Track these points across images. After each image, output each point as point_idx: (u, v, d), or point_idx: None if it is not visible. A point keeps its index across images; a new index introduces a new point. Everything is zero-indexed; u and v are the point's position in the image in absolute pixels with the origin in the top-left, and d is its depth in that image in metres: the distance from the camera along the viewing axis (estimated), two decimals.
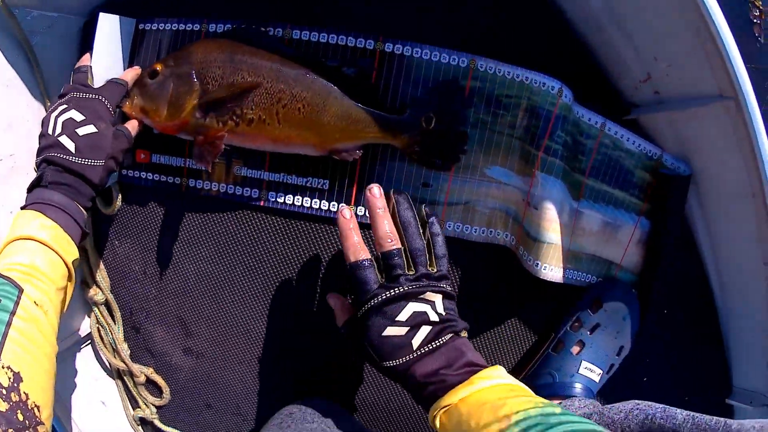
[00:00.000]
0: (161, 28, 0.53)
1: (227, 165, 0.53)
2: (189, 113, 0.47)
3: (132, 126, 0.50)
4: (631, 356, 0.56)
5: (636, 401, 0.50)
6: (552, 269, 0.50)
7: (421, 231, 0.43)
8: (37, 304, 0.41)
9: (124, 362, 0.60)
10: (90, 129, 0.46)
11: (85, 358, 0.63)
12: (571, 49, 0.52)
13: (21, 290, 0.40)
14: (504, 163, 0.50)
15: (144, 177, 0.55)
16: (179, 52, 0.48)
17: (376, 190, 0.44)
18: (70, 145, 0.46)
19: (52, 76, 0.55)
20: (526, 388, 0.39)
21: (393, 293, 0.40)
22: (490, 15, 0.51)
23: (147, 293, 0.59)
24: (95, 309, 0.59)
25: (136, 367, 0.60)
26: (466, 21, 0.51)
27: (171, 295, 0.59)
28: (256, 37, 0.48)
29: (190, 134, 0.49)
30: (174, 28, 0.53)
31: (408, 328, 0.40)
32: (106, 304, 0.60)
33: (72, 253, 0.46)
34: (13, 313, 0.39)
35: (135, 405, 0.64)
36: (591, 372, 0.55)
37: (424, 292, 0.41)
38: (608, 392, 0.57)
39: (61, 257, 0.45)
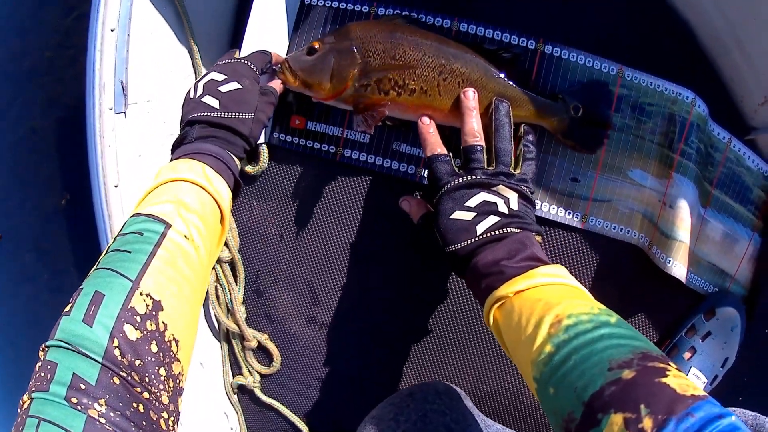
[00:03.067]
0: (328, 5, 0.56)
1: (386, 141, 0.55)
2: (351, 84, 0.49)
3: (276, 85, 0.50)
4: (733, 368, 0.59)
5: (732, 408, 0.52)
6: (678, 266, 0.53)
7: (511, 135, 0.45)
8: (187, 238, 0.37)
9: (238, 324, 0.60)
10: (233, 86, 0.46)
11: None
12: (704, 69, 0.57)
13: (168, 225, 0.37)
14: (644, 166, 0.54)
15: (296, 142, 0.57)
16: (338, 30, 0.50)
17: (470, 93, 0.46)
18: (214, 102, 0.45)
19: (200, 25, 0.57)
20: (586, 291, 0.38)
21: (465, 180, 0.42)
22: (635, 30, 0.56)
23: (280, 257, 0.60)
24: (218, 266, 0.60)
25: (249, 332, 0.60)
26: (613, 32, 0.56)
27: (305, 261, 0.59)
28: (416, 23, 0.50)
29: (349, 104, 0.50)
30: (342, 7, 0.56)
31: (475, 214, 0.41)
32: (231, 263, 0.60)
33: (225, 197, 0.43)
34: (158, 245, 0.35)
35: (237, 371, 0.64)
36: (697, 379, 0.57)
37: (497, 185, 0.42)
38: None
39: (213, 197, 0.41)
